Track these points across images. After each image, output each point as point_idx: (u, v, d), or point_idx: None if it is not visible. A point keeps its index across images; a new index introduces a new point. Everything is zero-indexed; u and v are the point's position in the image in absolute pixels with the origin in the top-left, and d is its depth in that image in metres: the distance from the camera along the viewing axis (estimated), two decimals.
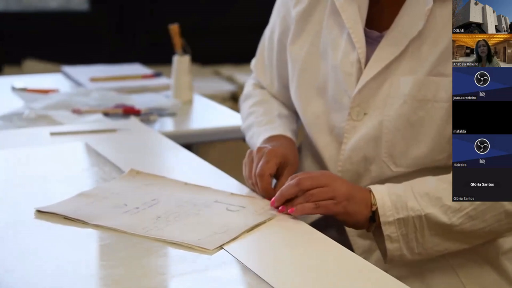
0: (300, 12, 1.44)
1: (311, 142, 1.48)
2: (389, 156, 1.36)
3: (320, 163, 1.46)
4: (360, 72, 1.36)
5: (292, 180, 1.28)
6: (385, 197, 1.28)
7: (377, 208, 1.28)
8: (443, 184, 1.28)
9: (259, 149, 1.37)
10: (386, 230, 1.28)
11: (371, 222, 1.30)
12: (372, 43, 1.37)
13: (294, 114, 1.57)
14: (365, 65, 1.36)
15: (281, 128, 1.48)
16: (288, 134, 1.48)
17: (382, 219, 1.28)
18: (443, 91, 1.31)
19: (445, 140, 1.33)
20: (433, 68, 1.32)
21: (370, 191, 1.29)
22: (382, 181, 1.37)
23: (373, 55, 1.35)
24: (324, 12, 1.42)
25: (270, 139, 1.46)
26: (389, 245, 1.29)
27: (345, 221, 1.30)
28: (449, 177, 1.19)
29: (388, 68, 1.34)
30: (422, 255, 1.31)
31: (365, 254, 1.38)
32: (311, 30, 1.44)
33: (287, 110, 1.57)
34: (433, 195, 1.28)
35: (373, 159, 1.37)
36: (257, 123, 1.53)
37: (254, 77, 1.67)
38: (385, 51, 1.34)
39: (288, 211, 1.25)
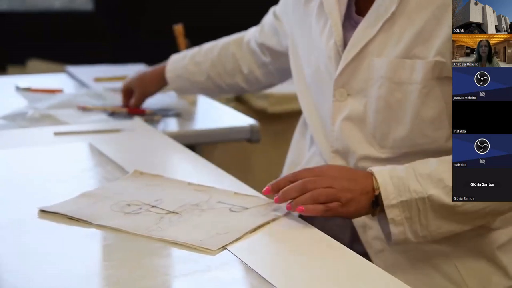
0: (300, 2, 1.52)
1: (307, 125, 1.54)
2: (373, 137, 1.39)
3: (316, 144, 1.51)
4: (339, 55, 1.41)
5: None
6: (387, 180, 1.28)
7: (380, 192, 1.28)
8: (444, 165, 1.29)
9: None
10: (390, 214, 1.28)
11: (375, 207, 1.30)
12: None
13: (221, 77, 1.92)
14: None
15: (178, 66, 1.97)
16: (178, 70, 1.98)
17: (385, 202, 1.28)
18: (417, 73, 1.33)
19: (425, 124, 1.34)
20: (409, 51, 1.33)
21: (372, 174, 1.30)
22: (370, 162, 1.39)
23: (351, 38, 1.39)
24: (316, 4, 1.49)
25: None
26: (393, 229, 1.29)
27: (348, 217, 1.31)
28: (449, 158, 1.19)
29: (365, 50, 1.38)
30: (427, 237, 1.31)
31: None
32: (308, 20, 1.50)
33: (212, 69, 1.93)
34: (435, 177, 1.28)
35: (360, 140, 1.40)
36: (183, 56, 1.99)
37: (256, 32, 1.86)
38: (361, 34, 1.38)
39: (297, 210, 1.24)
